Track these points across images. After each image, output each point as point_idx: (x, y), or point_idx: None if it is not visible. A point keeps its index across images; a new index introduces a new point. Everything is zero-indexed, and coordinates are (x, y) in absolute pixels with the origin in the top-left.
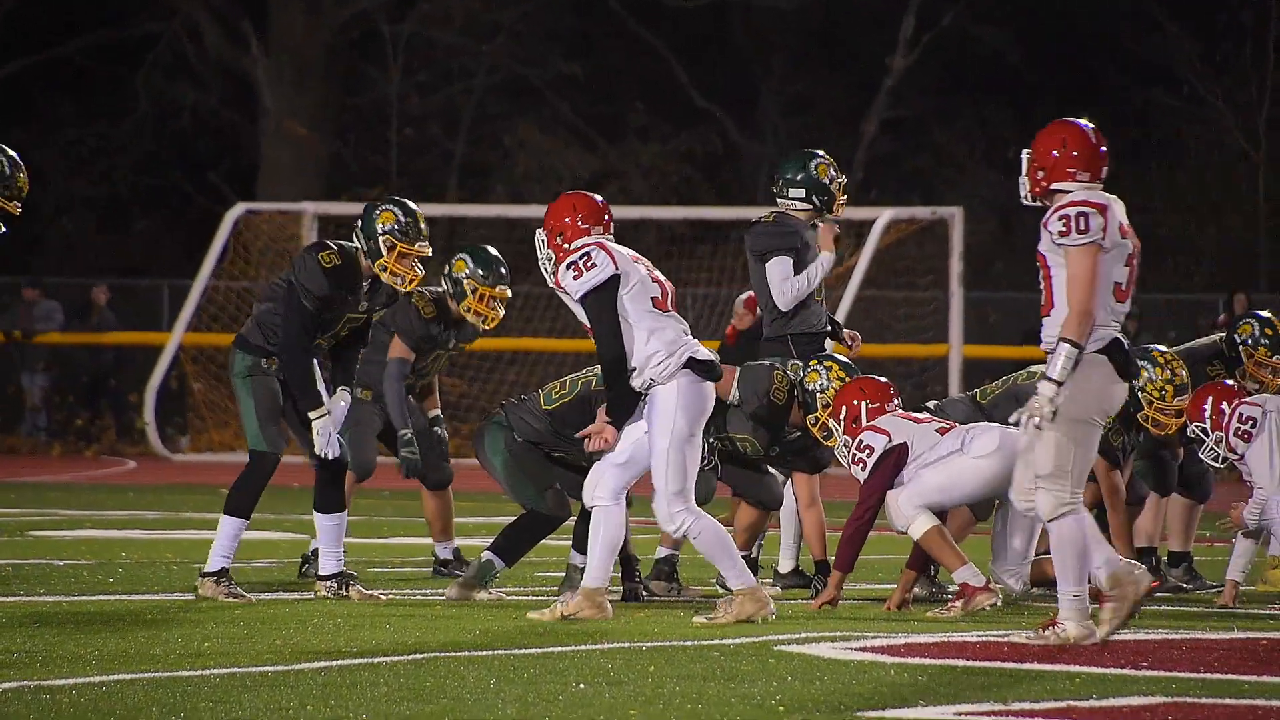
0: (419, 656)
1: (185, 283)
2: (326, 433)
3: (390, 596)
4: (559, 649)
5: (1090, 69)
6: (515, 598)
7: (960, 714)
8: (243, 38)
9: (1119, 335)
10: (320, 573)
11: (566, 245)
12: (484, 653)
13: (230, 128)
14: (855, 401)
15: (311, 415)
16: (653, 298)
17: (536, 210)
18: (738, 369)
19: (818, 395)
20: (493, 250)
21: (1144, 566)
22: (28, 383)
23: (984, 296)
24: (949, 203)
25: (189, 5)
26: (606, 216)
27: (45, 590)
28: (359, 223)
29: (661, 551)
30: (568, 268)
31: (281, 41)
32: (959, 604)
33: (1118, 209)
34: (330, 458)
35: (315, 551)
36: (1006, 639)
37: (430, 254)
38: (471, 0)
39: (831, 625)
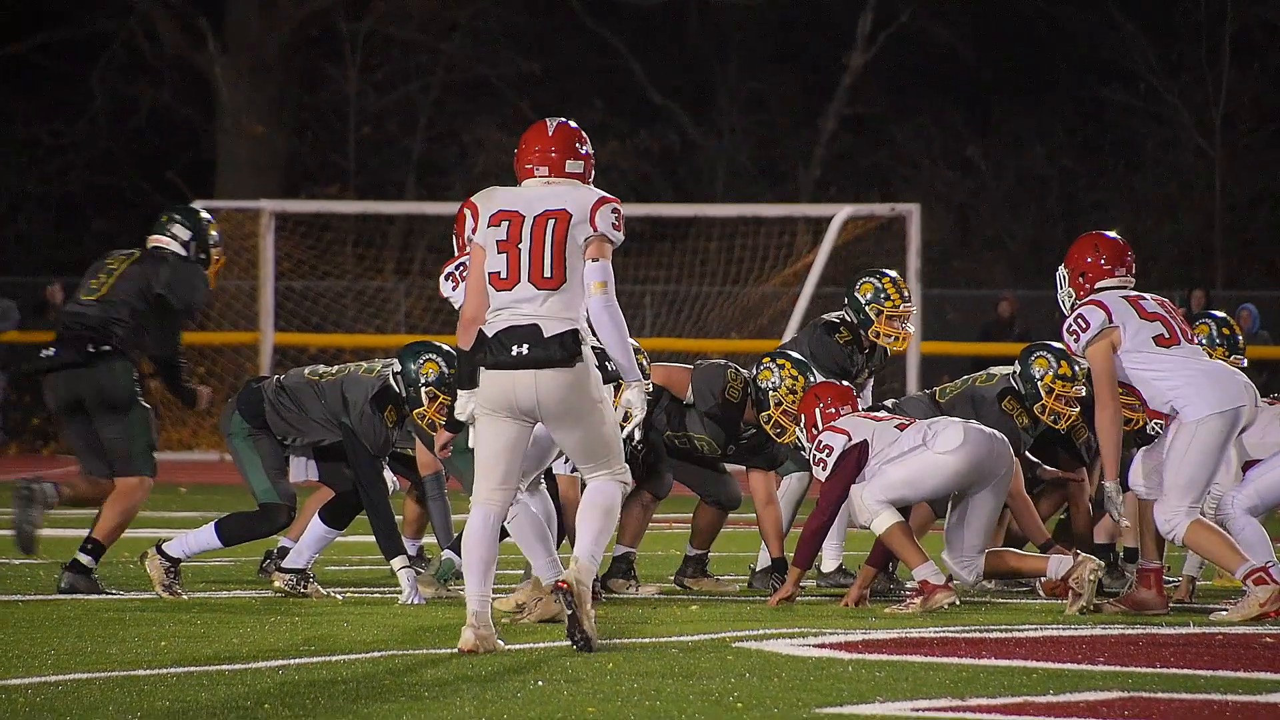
0: (377, 654)
1: None
2: (411, 581)
3: (348, 595)
4: (518, 646)
5: (1046, 67)
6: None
7: (918, 710)
8: (199, 35)
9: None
10: (285, 564)
11: None
12: (442, 650)
13: (186, 125)
14: (813, 409)
15: (395, 564)
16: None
17: None
18: (693, 368)
19: (770, 393)
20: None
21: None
22: None
23: (942, 294)
24: (907, 199)
25: (145, 2)
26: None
27: (1, 590)
28: (398, 365)
29: (619, 549)
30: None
31: (238, 38)
32: (917, 601)
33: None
34: (415, 604)
35: (281, 550)
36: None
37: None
38: None
39: (789, 622)
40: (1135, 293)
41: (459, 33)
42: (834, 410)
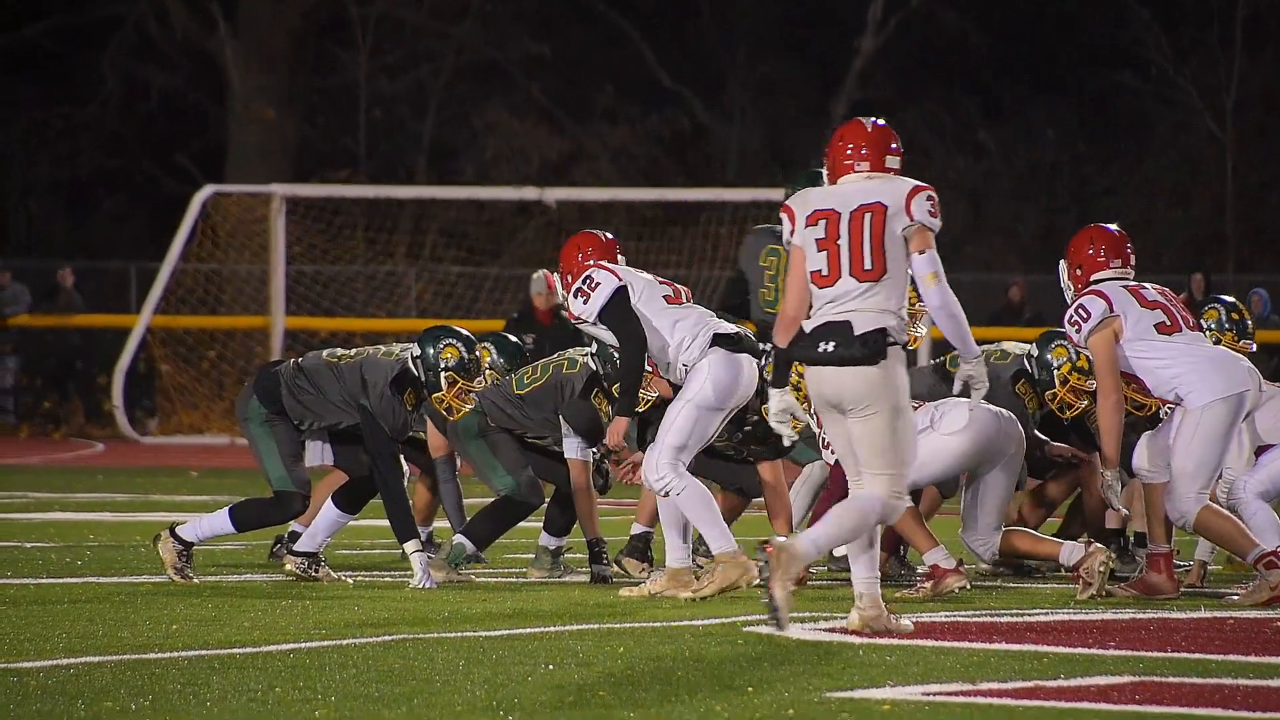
0: (387, 638)
1: (153, 265)
2: (424, 565)
3: (358, 579)
4: (528, 630)
5: (1058, 52)
6: (484, 579)
7: (929, 694)
8: (210, 19)
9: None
10: (297, 547)
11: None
12: (452, 634)
13: (198, 110)
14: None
15: (408, 548)
16: (664, 296)
17: (505, 192)
18: None
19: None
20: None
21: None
22: None
23: (952, 278)
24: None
25: None
26: (614, 250)
27: (13, 573)
28: (416, 350)
29: (636, 529)
30: (574, 296)
31: (249, 23)
32: (928, 585)
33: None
34: (427, 587)
35: (291, 534)
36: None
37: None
38: None
39: (800, 606)
40: (1135, 283)
41: (469, 17)
42: None
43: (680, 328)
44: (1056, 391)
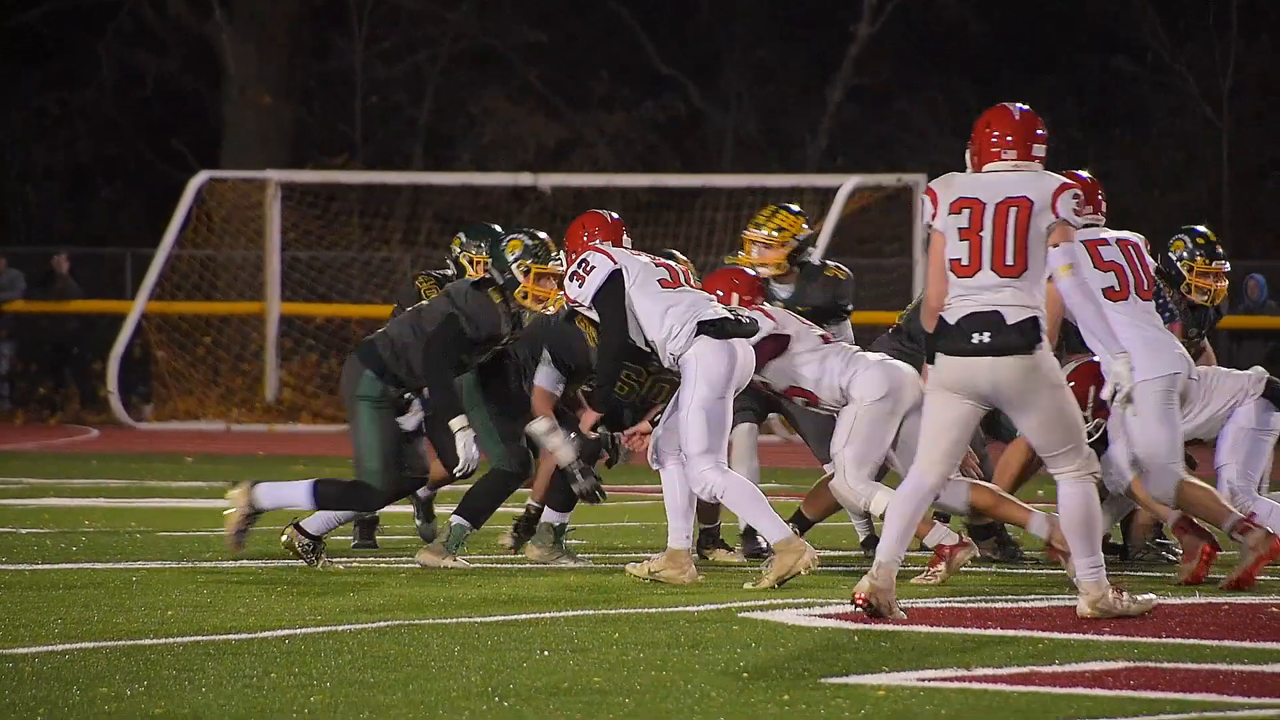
0: (383, 624)
1: (149, 251)
2: (469, 442)
3: (354, 564)
4: (523, 616)
5: (1054, 37)
6: (479, 564)
7: (923, 680)
8: (206, 4)
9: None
10: (305, 527)
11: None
12: (448, 620)
13: (193, 95)
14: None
15: (454, 425)
16: (659, 280)
17: (502, 178)
18: None
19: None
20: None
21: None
22: None
23: None
24: (913, 170)
25: None
26: (620, 231)
27: (7, 559)
28: (489, 260)
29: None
30: (570, 279)
31: (245, 8)
32: (941, 568)
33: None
34: (471, 470)
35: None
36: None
37: (563, 271)
38: None
39: (795, 592)
40: (1102, 236)
41: (465, 2)
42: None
43: (670, 315)
44: (1190, 281)
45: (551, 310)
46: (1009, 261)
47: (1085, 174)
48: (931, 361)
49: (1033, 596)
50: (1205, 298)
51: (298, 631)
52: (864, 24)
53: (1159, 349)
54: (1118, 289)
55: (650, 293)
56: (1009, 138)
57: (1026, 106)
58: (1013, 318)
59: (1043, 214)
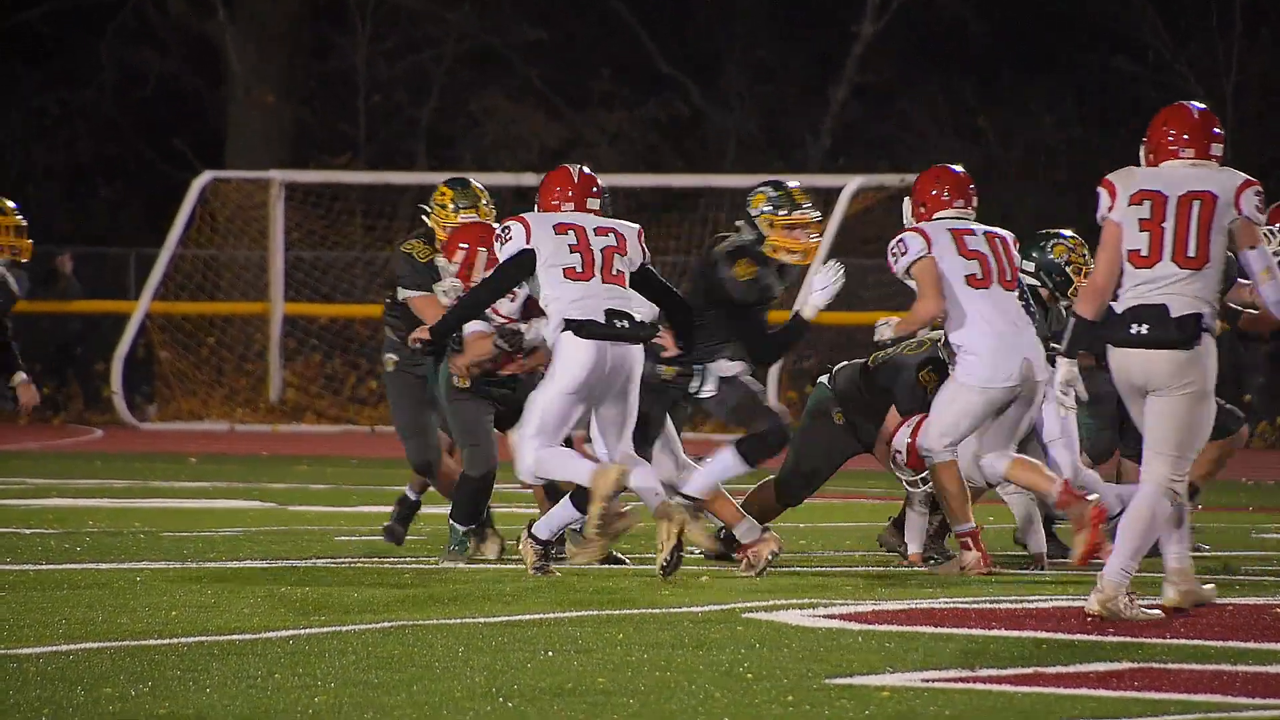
0: (387, 624)
1: (152, 251)
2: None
3: (358, 564)
4: (527, 617)
5: (1055, 36)
6: (479, 565)
7: (928, 680)
8: (208, 3)
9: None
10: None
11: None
12: (452, 621)
13: (196, 95)
14: None
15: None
16: (565, 269)
17: (504, 178)
18: None
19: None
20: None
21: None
22: None
23: None
24: (916, 170)
25: None
26: (586, 190)
27: (12, 559)
28: (740, 223)
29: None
30: (496, 239)
31: (247, 7)
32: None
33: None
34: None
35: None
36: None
37: (817, 216)
38: None
39: (799, 593)
40: (970, 226)
41: (467, 2)
42: None
43: (555, 305)
44: (1077, 284)
45: (803, 264)
46: (1191, 253)
47: (959, 168)
48: (1070, 351)
49: (1037, 597)
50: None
51: (302, 632)
52: (867, 23)
53: (1000, 355)
54: (979, 277)
55: (551, 279)
56: (1185, 135)
57: (1203, 106)
58: (1177, 311)
59: (1226, 209)
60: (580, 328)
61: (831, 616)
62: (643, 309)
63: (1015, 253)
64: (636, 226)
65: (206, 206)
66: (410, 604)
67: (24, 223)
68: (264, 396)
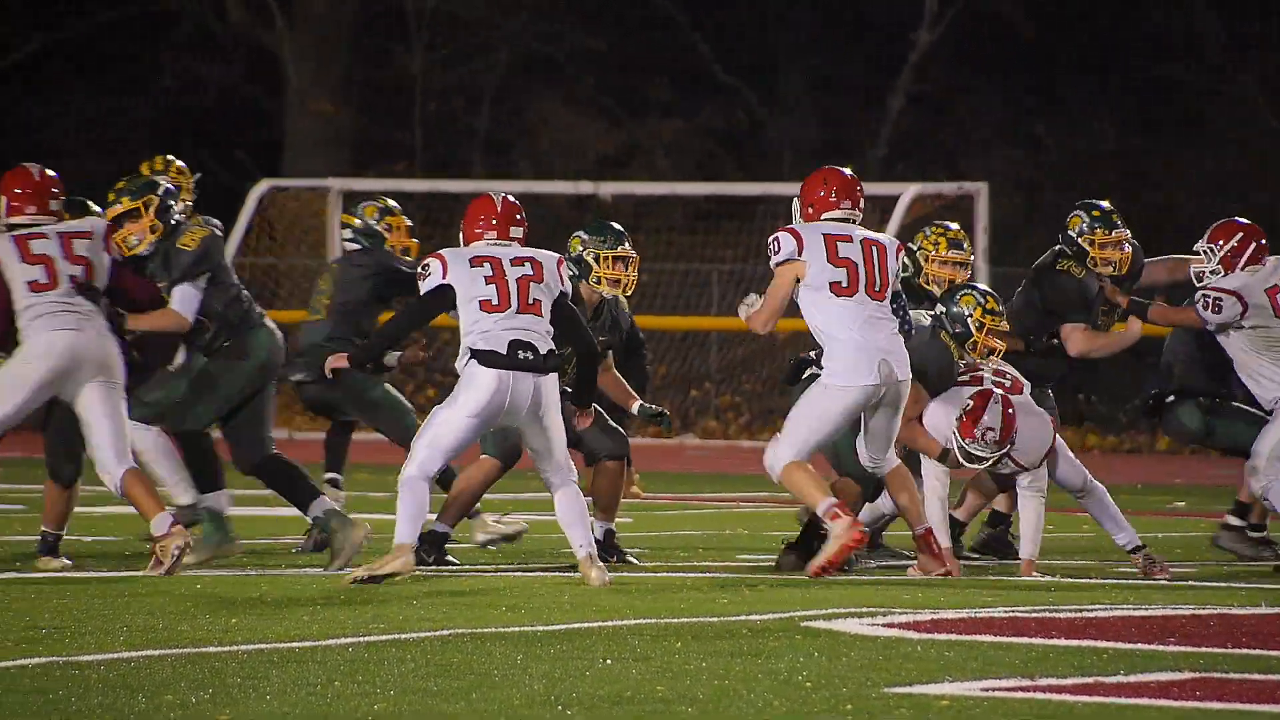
0: (445, 633)
1: None
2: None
3: (416, 573)
4: (586, 625)
5: (1114, 43)
6: (538, 574)
7: (987, 690)
8: (267, 12)
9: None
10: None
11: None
12: (511, 629)
13: (254, 104)
14: None
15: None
16: (481, 301)
17: (562, 186)
18: None
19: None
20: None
21: None
22: None
23: (1009, 272)
24: (974, 178)
25: None
26: (509, 219)
27: (74, 566)
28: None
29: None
30: (417, 275)
31: (306, 16)
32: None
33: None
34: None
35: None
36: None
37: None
38: None
39: (858, 601)
40: (846, 231)
41: (523, 9)
42: None
43: (468, 337)
44: (977, 339)
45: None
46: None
47: (848, 171)
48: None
49: (1097, 607)
50: (1111, 268)
51: (361, 640)
52: (924, 31)
53: (862, 355)
54: (845, 285)
55: (468, 311)
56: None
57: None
58: None
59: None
60: (483, 357)
61: (890, 625)
62: (549, 341)
63: (893, 261)
64: (556, 255)
65: (265, 215)
66: (469, 612)
67: (410, 223)
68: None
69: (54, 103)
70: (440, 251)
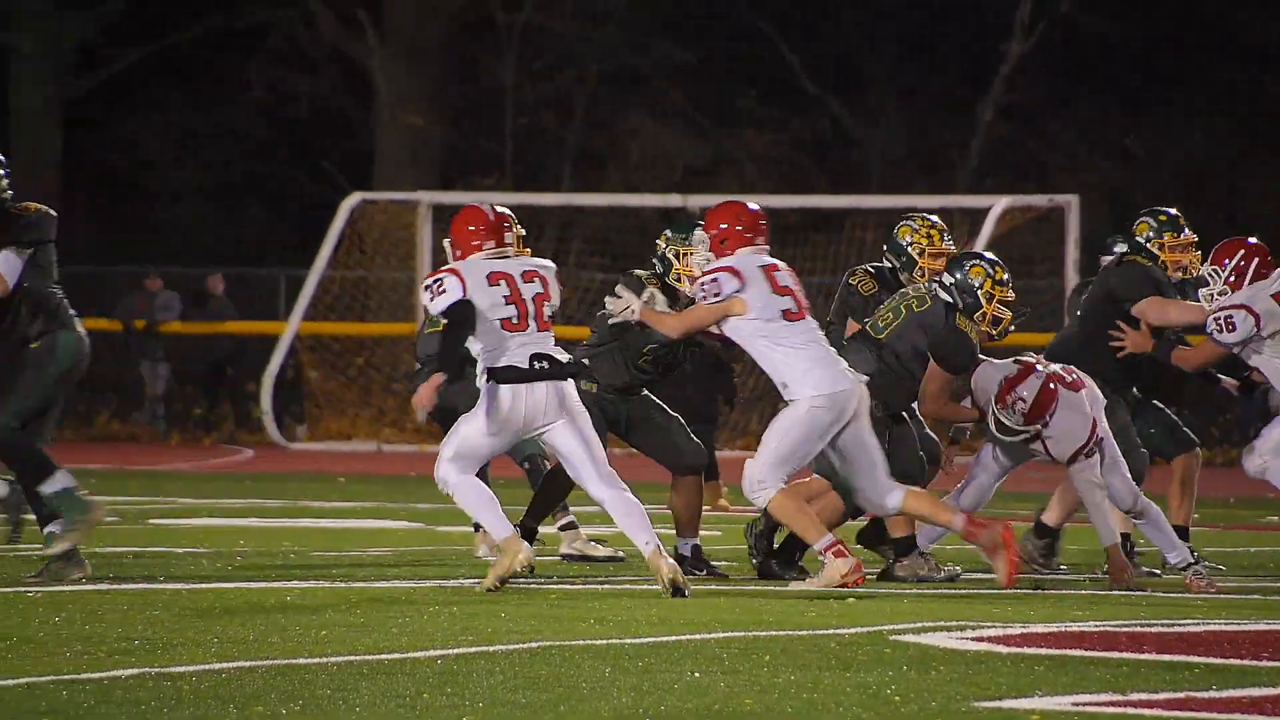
0: (534, 645)
1: (301, 272)
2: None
3: (504, 585)
4: (673, 638)
5: (1208, 53)
6: (626, 586)
7: (1078, 705)
8: (357, 25)
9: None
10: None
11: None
12: (599, 641)
13: (344, 116)
14: None
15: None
16: (501, 320)
17: (650, 199)
18: None
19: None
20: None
21: None
22: (148, 372)
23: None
24: (1064, 190)
25: None
26: (501, 227)
27: (165, 578)
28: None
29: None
30: (425, 289)
31: (397, 29)
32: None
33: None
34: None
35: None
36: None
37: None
38: None
39: (946, 615)
40: (771, 261)
41: (612, 23)
42: None
43: (485, 356)
44: (986, 310)
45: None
46: None
47: (755, 205)
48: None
49: (1189, 621)
50: (1182, 271)
51: (450, 652)
52: (1014, 42)
53: (826, 364)
54: (795, 311)
55: (485, 329)
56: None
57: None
58: None
59: None
60: (502, 374)
61: (980, 639)
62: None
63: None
64: (554, 266)
65: (355, 228)
66: (557, 624)
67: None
68: (411, 417)
69: (150, 115)
70: (453, 266)
